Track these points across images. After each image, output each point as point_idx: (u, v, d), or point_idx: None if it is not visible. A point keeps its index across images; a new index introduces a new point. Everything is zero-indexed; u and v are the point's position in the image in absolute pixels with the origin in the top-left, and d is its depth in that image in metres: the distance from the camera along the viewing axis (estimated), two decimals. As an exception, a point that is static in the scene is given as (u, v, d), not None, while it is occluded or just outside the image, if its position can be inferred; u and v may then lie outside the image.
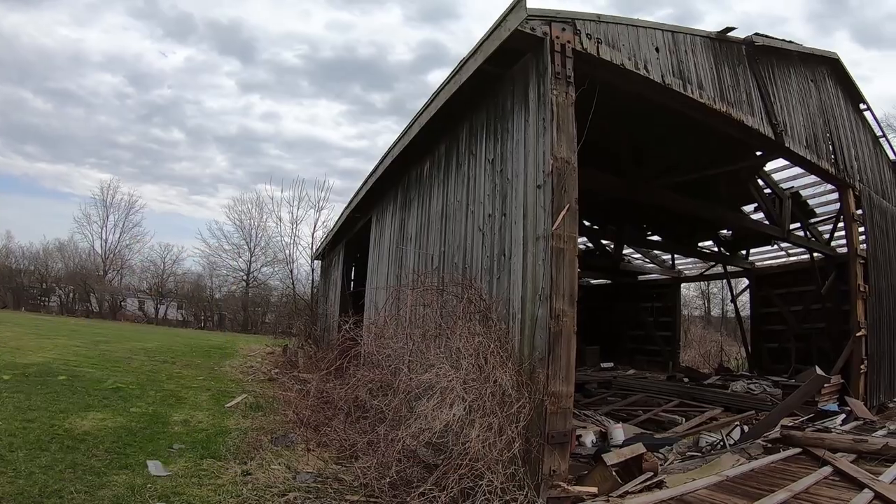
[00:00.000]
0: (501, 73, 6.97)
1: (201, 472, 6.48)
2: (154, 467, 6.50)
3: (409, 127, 9.36)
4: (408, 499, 5.39)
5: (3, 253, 52.56)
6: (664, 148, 11.39)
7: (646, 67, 7.09)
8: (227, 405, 10.57)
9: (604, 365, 19.82)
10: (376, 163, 11.99)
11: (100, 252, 54.30)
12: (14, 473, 5.89)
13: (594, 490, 5.50)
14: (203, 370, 15.53)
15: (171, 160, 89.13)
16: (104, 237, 55.14)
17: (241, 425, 8.95)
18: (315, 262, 26.19)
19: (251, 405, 10.66)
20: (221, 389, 12.34)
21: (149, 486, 5.89)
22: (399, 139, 10.05)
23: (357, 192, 14.45)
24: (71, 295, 48.81)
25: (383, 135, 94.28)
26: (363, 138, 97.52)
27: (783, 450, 7.53)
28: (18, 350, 16.16)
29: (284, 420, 9.38)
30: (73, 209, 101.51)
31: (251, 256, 51.27)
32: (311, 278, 27.33)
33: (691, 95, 7.72)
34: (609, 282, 24.02)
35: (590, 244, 18.58)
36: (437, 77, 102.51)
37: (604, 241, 18.19)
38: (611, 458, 6.07)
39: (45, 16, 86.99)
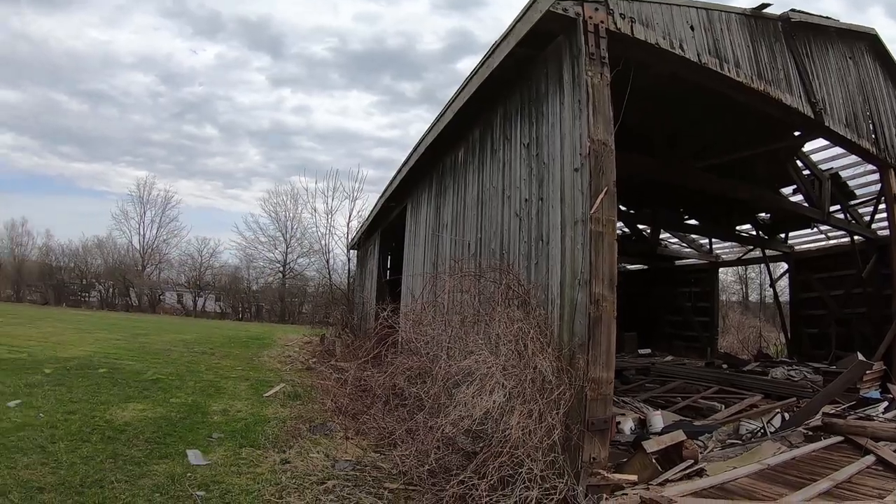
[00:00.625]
0: (534, 55, 6.87)
1: (240, 461, 6.54)
2: (194, 457, 6.56)
3: (442, 114, 9.30)
4: (447, 486, 5.35)
5: (44, 251, 54.00)
6: (700, 129, 11.19)
7: (681, 46, 6.93)
8: (266, 394, 10.66)
9: (641, 351, 19.66)
10: (409, 151, 11.96)
11: (138, 247, 55.52)
12: (55, 464, 5.98)
13: (634, 478, 5.41)
14: (241, 360, 15.71)
15: (205, 156, 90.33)
16: (142, 233, 56.40)
17: (279, 414, 9.01)
18: (351, 251, 26.31)
19: (289, 394, 10.74)
20: (260, 379, 12.46)
21: (188, 475, 5.95)
22: (432, 126, 10.00)
23: (391, 182, 14.45)
24: (111, 290, 49.90)
25: (415, 124, 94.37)
26: (395, 128, 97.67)
27: (824, 438, 7.34)
28: (60, 345, 16.52)
29: (323, 409, 9.43)
30: (111, 206, 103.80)
31: (287, 248, 51.83)
32: (347, 268, 27.50)
33: (728, 74, 7.53)
34: (646, 267, 23.74)
35: (626, 229, 18.33)
36: (467, 65, 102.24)
37: (640, 226, 17.96)
38: (651, 445, 5.97)
39: (75, 19, 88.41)
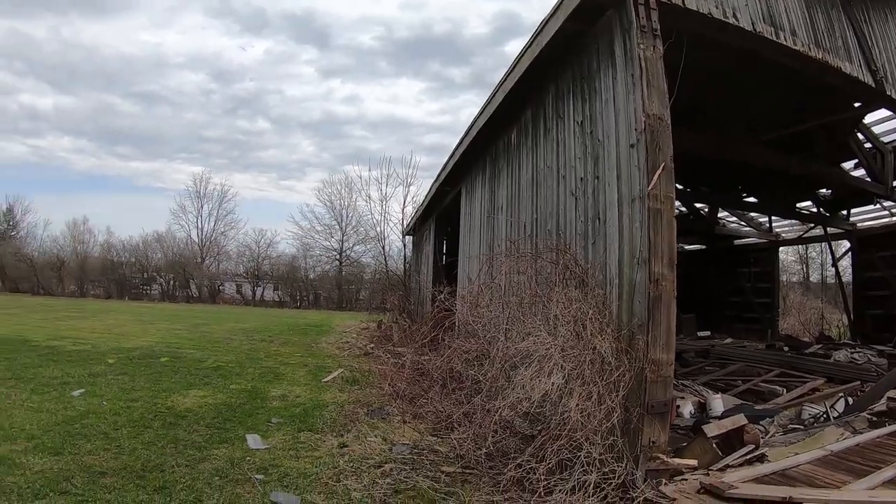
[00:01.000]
0: (584, 31, 6.72)
1: (299, 445, 6.64)
2: (253, 441, 6.68)
3: (493, 96, 9.23)
4: (504, 470, 5.33)
5: (105, 247, 55.88)
6: (756, 102, 10.81)
7: (734, 15, 6.65)
8: (324, 380, 10.79)
9: (700, 333, 19.22)
10: (461, 136, 11.92)
11: (197, 240, 57.05)
12: (118, 450, 6.16)
13: (694, 463, 5.27)
14: (300, 347, 15.95)
15: (259, 149, 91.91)
16: (200, 226, 57.98)
17: (337, 399, 9.12)
18: (406, 237, 26.42)
19: (347, 379, 10.85)
20: (318, 365, 12.62)
21: (248, 458, 6.07)
22: (483, 109, 9.94)
23: (444, 166, 14.44)
24: (171, 282, 51.35)
25: (465, 109, 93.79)
26: (445, 114, 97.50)
27: (889, 424, 7.04)
28: (123, 336, 17.03)
29: (380, 393, 9.50)
30: (169, 202, 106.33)
31: (343, 236, 52.36)
32: (402, 253, 27.63)
33: (784, 43, 7.20)
34: (704, 247, 23.19)
35: (683, 208, 17.94)
36: (515, 48, 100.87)
37: (697, 205, 17.57)
38: (711, 429, 5.81)
39: (124, 23, 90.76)
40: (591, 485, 4.71)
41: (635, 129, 5.56)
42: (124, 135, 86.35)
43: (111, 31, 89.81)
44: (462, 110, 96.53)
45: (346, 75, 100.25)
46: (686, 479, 5.02)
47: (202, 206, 58.40)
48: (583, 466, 4.85)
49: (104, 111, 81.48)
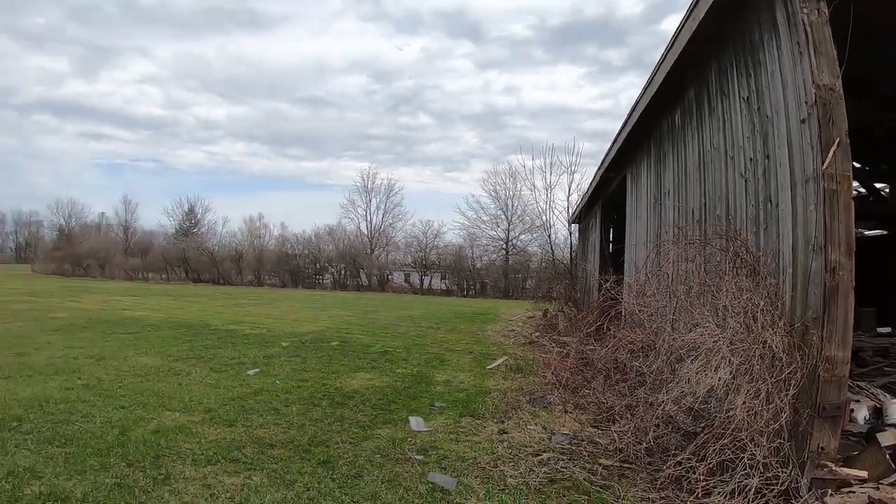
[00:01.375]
0: (743, 1, 6.24)
1: (459, 430, 6.78)
2: (415, 423, 6.92)
3: (653, 76, 8.81)
4: (663, 467, 5.11)
5: (280, 241, 61.40)
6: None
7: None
8: (488, 367, 10.90)
9: (880, 329, 17.27)
10: (623, 120, 11.51)
11: (366, 232, 60.67)
12: (287, 425, 6.69)
13: (864, 474, 4.68)
14: (466, 335, 16.23)
15: (422, 143, 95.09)
16: (368, 219, 61.87)
17: (500, 386, 9.21)
18: (572, 225, 26.12)
19: (511, 367, 10.90)
20: (483, 352, 12.78)
21: (409, 440, 6.31)
22: (644, 91, 9.52)
23: (607, 152, 14.04)
24: (342, 272, 54.49)
25: (626, 91, 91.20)
26: (606, 98, 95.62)
27: None
28: (296, 321, 18.29)
29: (543, 382, 9.47)
30: (338, 197, 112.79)
31: (509, 225, 52.82)
32: (568, 242, 27.31)
33: None
34: (885, 233, 20.82)
35: (861, 189, 16.24)
36: (671, 24, 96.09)
37: (877, 185, 15.84)
38: (886, 438, 5.16)
39: (284, 36, 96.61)
40: (753, 489, 4.37)
41: (805, 103, 5.06)
42: (294, 137, 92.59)
43: (273, 45, 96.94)
44: (622, 93, 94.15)
45: (503, 66, 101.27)
46: (854, 492, 4.49)
47: (370, 200, 62.20)
48: (745, 469, 4.51)
49: (274, 117, 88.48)
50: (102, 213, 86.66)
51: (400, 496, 4.80)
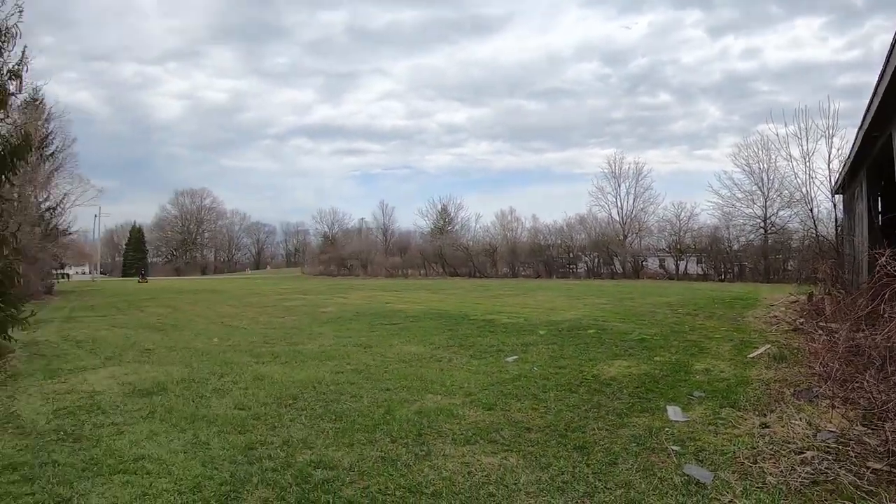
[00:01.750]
0: None
1: (718, 421, 6.61)
2: (673, 412, 6.87)
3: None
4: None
5: (532, 232, 62.44)
6: None
7: None
8: (750, 356, 10.43)
9: None
10: (881, 68, 10.16)
11: (617, 219, 59.60)
12: (544, 410, 7.04)
13: None
14: (725, 321, 15.56)
15: (665, 122, 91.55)
16: (619, 205, 60.70)
17: (763, 376, 8.78)
18: (835, 196, 23.57)
19: (774, 356, 10.30)
20: (744, 340, 12.22)
21: (666, 429, 6.29)
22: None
23: (867, 109, 12.36)
24: (595, 260, 54.12)
25: (877, 37, 78.96)
26: (853, 47, 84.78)
27: None
28: (552, 310, 18.68)
29: (809, 372, 8.85)
30: (587, 185, 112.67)
31: (766, 201, 48.80)
32: (832, 215, 24.72)
33: None
34: None
35: None
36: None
37: None
38: None
39: (511, 34, 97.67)
40: None
41: None
42: (535, 131, 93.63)
43: (501, 46, 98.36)
44: (873, 39, 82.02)
45: (737, 30, 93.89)
46: None
47: (619, 186, 60.93)
48: None
49: (513, 114, 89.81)
50: (362, 218, 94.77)
51: (654, 486, 4.82)
